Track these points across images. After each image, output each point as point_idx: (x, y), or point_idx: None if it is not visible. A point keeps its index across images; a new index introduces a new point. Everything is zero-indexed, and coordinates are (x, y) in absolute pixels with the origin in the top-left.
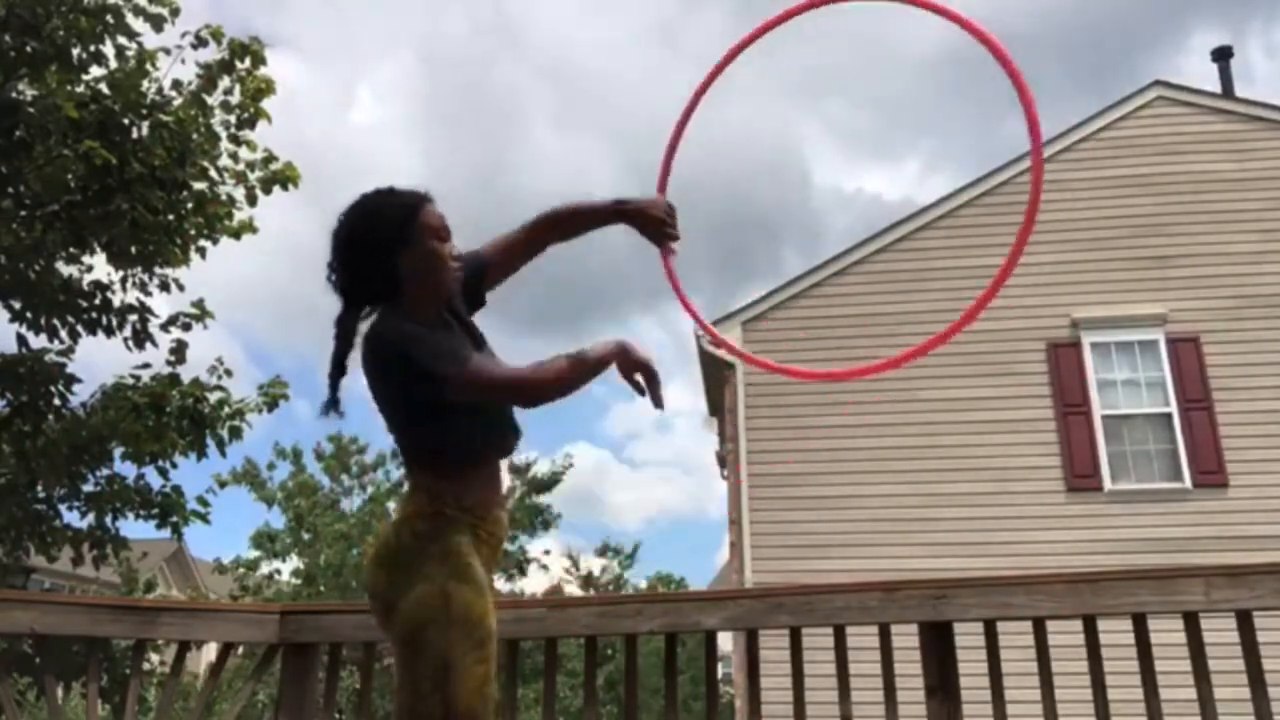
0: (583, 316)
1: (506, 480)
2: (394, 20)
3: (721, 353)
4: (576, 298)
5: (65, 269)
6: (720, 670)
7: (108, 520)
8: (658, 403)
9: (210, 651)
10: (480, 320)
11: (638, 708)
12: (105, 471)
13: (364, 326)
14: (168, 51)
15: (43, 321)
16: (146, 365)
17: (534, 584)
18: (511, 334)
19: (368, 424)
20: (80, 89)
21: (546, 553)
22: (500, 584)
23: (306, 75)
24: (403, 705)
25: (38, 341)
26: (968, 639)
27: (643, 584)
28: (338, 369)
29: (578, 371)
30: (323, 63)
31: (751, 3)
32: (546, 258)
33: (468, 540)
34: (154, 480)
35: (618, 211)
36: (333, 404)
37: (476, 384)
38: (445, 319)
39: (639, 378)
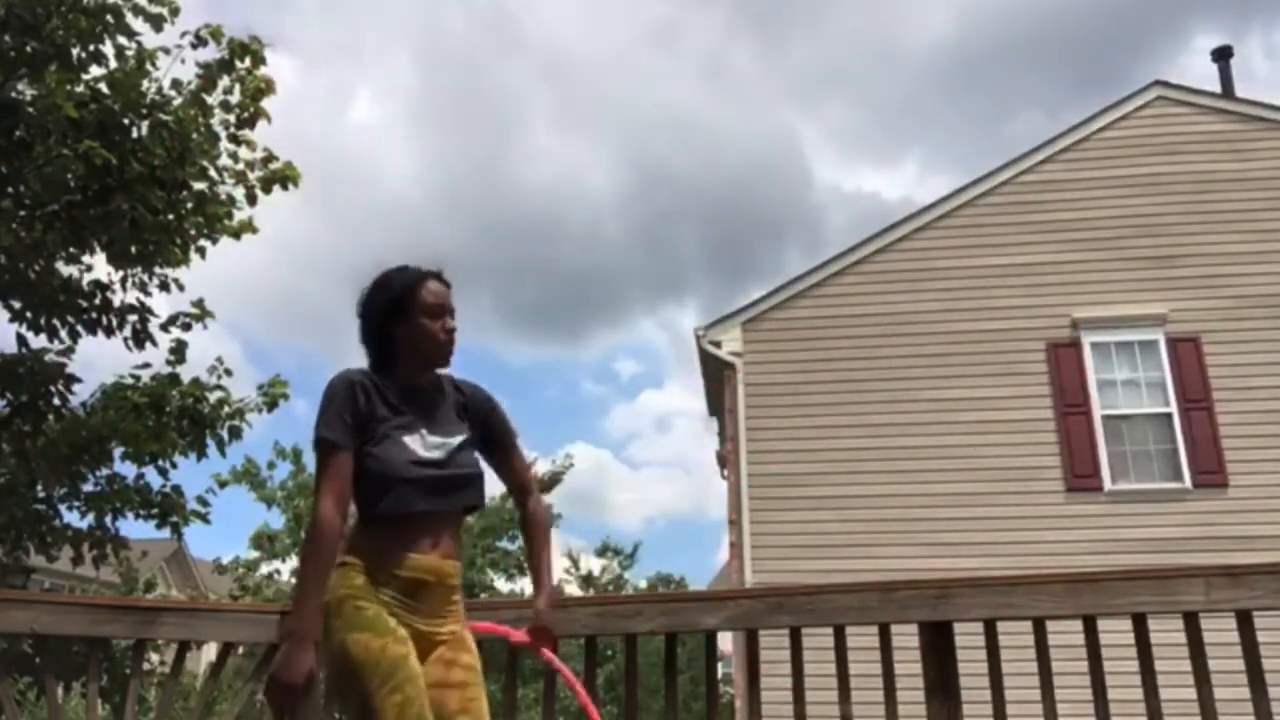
0: (583, 317)
1: (447, 526)
2: (393, 20)
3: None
4: (576, 298)
5: (65, 269)
6: (720, 670)
7: (108, 520)
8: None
9: (210, 651)
10: (480, 320)
11: (638, 708)
12: (105, 471)
13: None
14: (167, 51)
15: (43, 321)
16: (146, 365)
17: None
18: (512, 335)
19: None
20: (80, 89)
21: None
22: (500, 584)
23: (306, 75)
24: None
25: (38, 341)
26: (968, 639)
27: (643, 584)
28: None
29: (304, 575)
30: (322, 62)
31: (752, 3)
32: (548, 259)
33: (362, 583)
34: (154, 480)
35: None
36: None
37: (318, 470)
38: (425, 389)
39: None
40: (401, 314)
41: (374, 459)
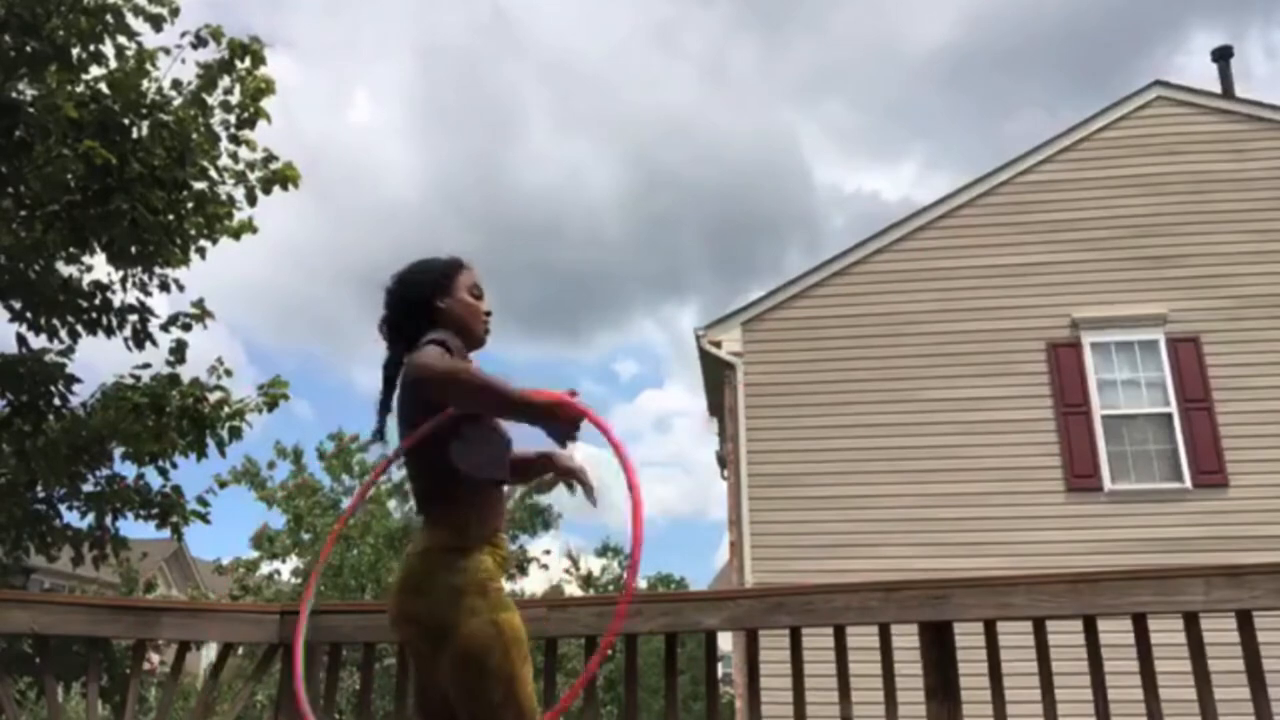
0: (583, 317)
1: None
2: (392, 21)
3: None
4: (577, 298)
5: (65, 269)
6: (720, 670)
7: (108, 520)
8: (591, 499)
9: (210, 651)
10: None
11: (638, 708)
12: (105, 471)
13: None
14: (167, 51)
15: (43, 321)
16: (146, 365)
17: (534, 584)
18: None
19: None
20: (80, 89)
21: (547, 553)
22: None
23: (305, 75)
24: (475, 715)
25: (38, 341)
26: (968, 639)
27: (643, 584)
28: (385, 406)
29: (508, 395)
30: (321, 63)
31: (752, 4)
32: (548, 259)
33: (491, 564)
34: (154, 480)
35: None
36: (380, 434)
37: (426, 370)
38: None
39: (575, 468)
40: (447, 289)
41: (480, 428)
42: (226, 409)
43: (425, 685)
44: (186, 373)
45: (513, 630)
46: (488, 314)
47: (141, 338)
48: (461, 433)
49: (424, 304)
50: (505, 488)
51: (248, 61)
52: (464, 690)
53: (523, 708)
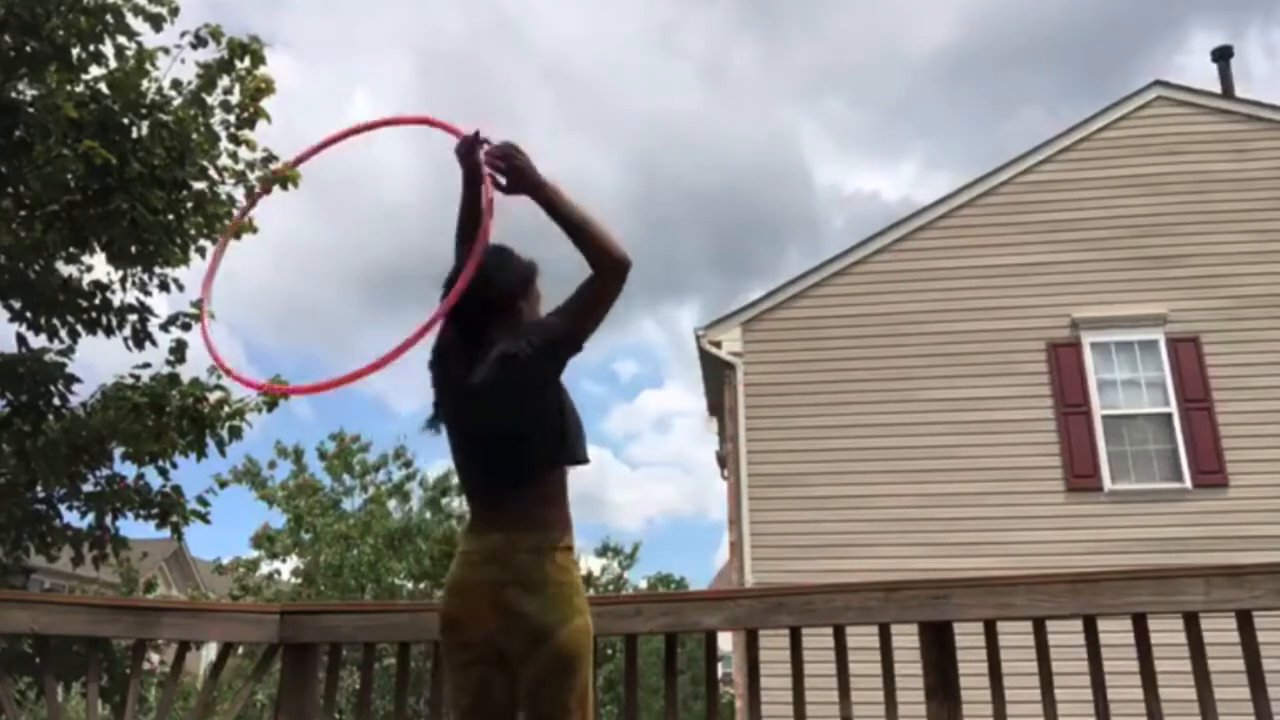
0: None
1: None
2: (391, 21)
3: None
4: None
5: (65, 269)
6: (720, 670)
7: (108, 520)
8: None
9: (210, 651)
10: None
11: (638, 708)
12: (105, 471)
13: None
14: (167, 51)
15: (43, 321)
16: (146, 365)
17: None
18: None
19: (371, 422)
20: (80, 89)
21: None
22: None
23: (304, 75)
24: (547, 716)
25: (38, 341)
26: (968, 639)
27: (643, 584)
28: (471, 346)
29: (591, 218)
30: (320, 63)
31: (753, 4)
32: (548, 260)
33: (577, 570)
34: (154, 480)
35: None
36: (438, 416)
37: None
38: None
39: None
40: (527, 293)
41: (572, 402)
42: (226, 409)
43: (483, 690)
44: (186, 373)
45: (592, 640)
46: None
47: (141, 337)
48: (565, 405)
49: (508, 296)
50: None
51: (247, 61)
52: (549, 690)
53: (588, 714)
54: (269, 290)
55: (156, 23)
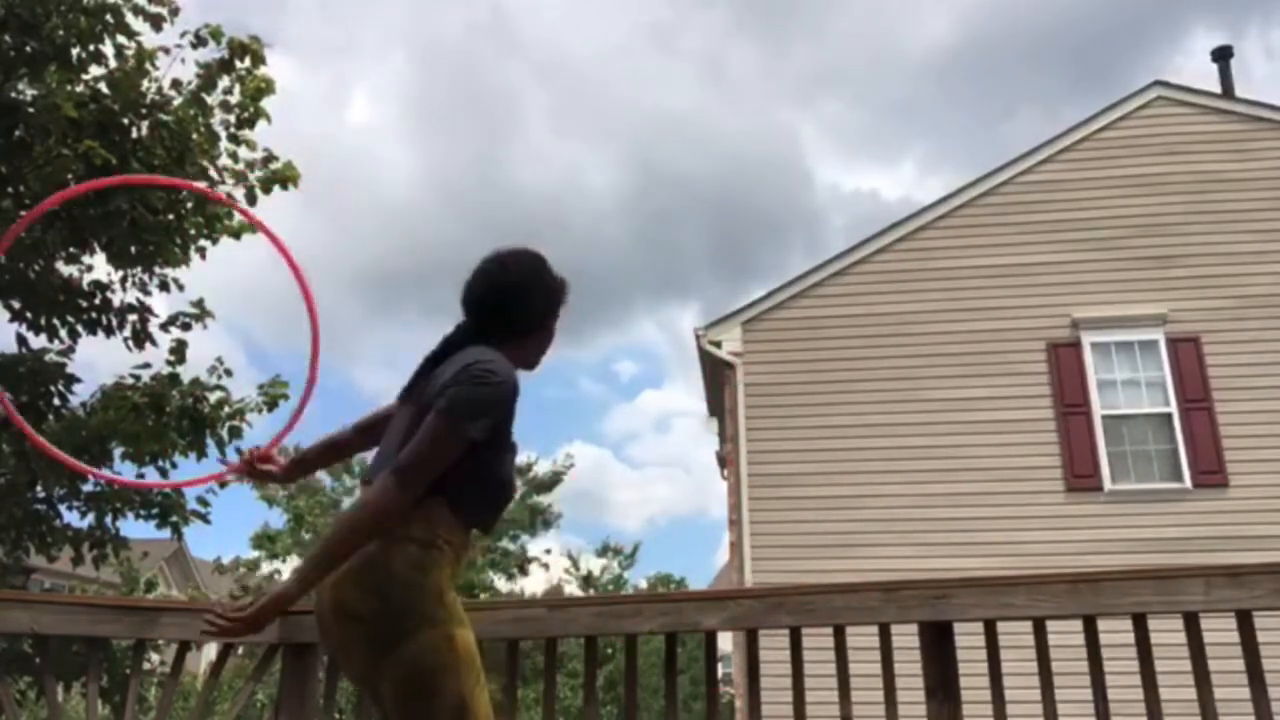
0: (583, 317)
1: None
2: (390, 21)
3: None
4: (576, 298)
5: (65, 269)
6: (720, 670)
7: (108, 520)
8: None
9: (210, 651)
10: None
11: (638, 708)
12: (105, 471)
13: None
14: (167, 51)
15: (43, 321)
16: (146, 365)
17: (534, 584)
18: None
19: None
20: (80, 89)
21: (547, 552)
22: (500, 584)
23: (303, 76)
24: None
25: (38, 341)
26: (968, 639)
27: (643, 584)
28: (431, 364)
29: (338, 541)
30: (319, 63)
31: (752, 5)
32: (549, 259)
33: (448, 575)
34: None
35: None
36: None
37: (434, 446)
38: None
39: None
40: (552, 313)
41: (500, 465)
42: (226, 409)
43: (383, 714)
44: (186, 373)
45: (467, 649)
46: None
47: (141, 337)
48: (479, 465)
49: (532, 313)
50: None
51: (247, 61)
52: (406, 712)
53: None
54: (269, 290)
55: (156, 23)
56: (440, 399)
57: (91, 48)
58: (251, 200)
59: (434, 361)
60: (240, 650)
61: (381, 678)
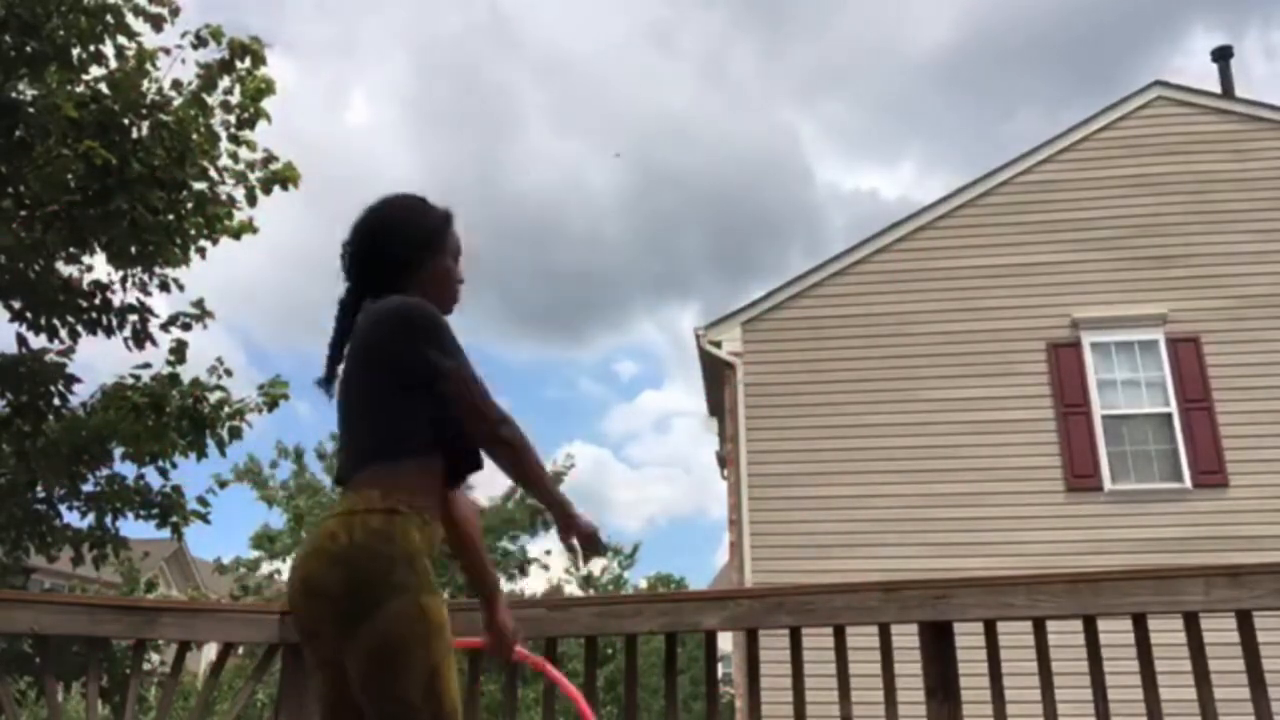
0: (583, 317)
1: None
2: (389, 21)
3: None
4: (576, 299)
5: (65, 269)
6: (720, 670)
7: (108, 520)
8: (587, 556)
9: (210, 651)
10: (480, 320)
11: (638, 708)
12: (105, 471)
13: (372, 305)
14: (167, 51)
15: (43, 321)
16: (146, 365)
17: (534, 584)
18: (512, 335)
19: None
20: (80, 89)
21: (547, 553)
22: (501, 584)
23: (302, 76)
24: (390, 715)
25: (38, 341)
26: (968, 639)
27: (643, 584)
28: (337, 348)
29: (536, 471)
30: (318, 64)
31: (752, 6)
32: (549, 259)
33: (419, 539)
34: (154, 480)
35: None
36: (329, 380)
37: (468, 389)
38: None
39: (575, 542)
40: (434, 248)
41: (436, 399)
42: (226, 409)
43: (335, 698)
44: (186, 373)
45: (438, 618)
46: (461, 281)
47: (141, 338)
48: (440, 391)
49: (406, 263)
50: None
51: (248, 61)
52: (376, 686)
53: (444, 708)
54: (269, 290)
55: (157, 23)
56: (411, 351)
57: (91, 48)
58: (252, 200)
59: (338, 345)
60: (240, 650)
61: (348, 656)
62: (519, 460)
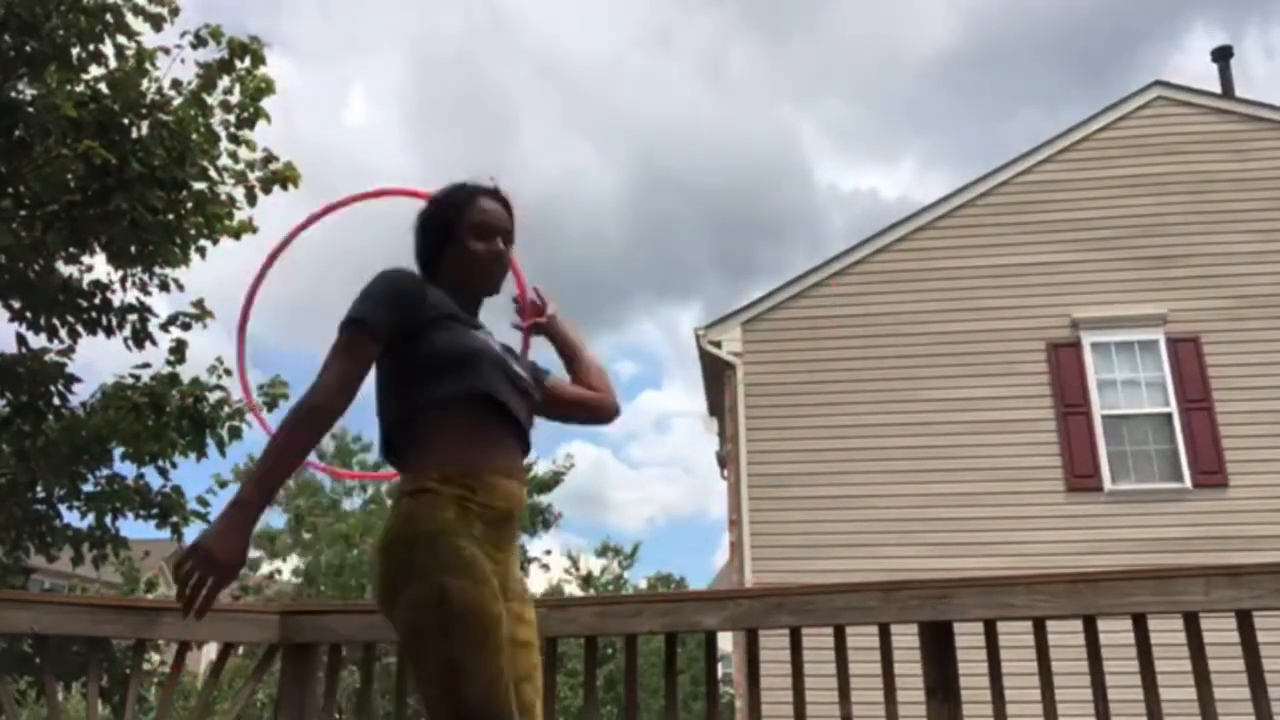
0: (583, 317)
1: (519, 452)
2: (388, 22)
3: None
4: (576, 299)
5: (65, 269)
6: (720, 670)
7: (108, 520)
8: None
9: (210, 651)
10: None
11: (638, 708)
12: (105, 471)
13: None
14: (167, 51)
15: (43, 321)
16: (146, 365)
17: (534, 584)
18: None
19: (370, 422)
20: (80, 89)
21: (547, 553)
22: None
23: (302, 76)
24: (427, 710)
25: (38, 341)
26: (968, 639)
27: (643, 584)
28: None
29: (269, 454)
30: (318, 64)
31: (752, 5)
32: (549, 259)
33: (454, 517)
34: (154, 480)
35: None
36: None
37: (330, 355)
38: (468, 315)
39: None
40: (449, 235)
41: (443, 337)
42: (226, 409)
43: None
44: (186, 372)
45: (463, 602)
46: (497, 254)
47: (141, 337)
48: (418, 355)
49: (428, 263)
50: (515, 417)
51: (247, 61)
52: (411, 668)
53: (467, 709)
54: (269, 290)
55: (156, 23)
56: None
57: (91, 48)
58: (251, 200)
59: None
60: (240, 650)
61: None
62: (276, 434)
